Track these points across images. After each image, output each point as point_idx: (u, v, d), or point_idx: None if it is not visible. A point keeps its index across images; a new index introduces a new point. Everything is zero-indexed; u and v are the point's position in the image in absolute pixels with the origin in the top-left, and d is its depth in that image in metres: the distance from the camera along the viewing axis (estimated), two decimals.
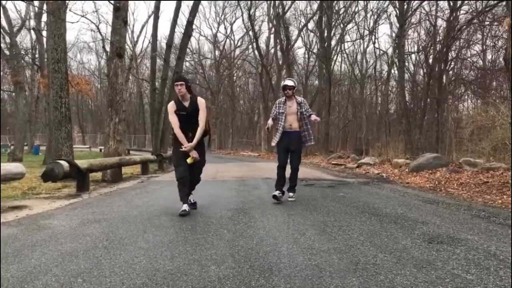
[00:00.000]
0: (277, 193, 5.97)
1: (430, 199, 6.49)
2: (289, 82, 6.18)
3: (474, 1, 19.57)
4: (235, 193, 7.20)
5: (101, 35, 25.83)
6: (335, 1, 26.95)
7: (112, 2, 10.84)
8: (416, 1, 23.30)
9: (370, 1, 28.11)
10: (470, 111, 22.57)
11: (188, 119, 4.85)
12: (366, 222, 4.41)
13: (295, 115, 6.07)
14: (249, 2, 32.83)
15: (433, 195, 7.02)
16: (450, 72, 23.34)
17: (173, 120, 4.85)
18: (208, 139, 5.19)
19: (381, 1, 27.91)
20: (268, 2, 32.06)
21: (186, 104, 4.90)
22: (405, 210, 5.28)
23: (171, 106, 4.92)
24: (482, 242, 3.54)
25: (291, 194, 6.21)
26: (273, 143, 6.18)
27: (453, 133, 16.79)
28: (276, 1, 29.45)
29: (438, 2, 23.14)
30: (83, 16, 23.20)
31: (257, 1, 34.03)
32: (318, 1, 26.95)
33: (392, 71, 27.75)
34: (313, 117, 5.96)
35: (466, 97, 25.96)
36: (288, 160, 6.10)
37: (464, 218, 4.72)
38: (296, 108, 6.09)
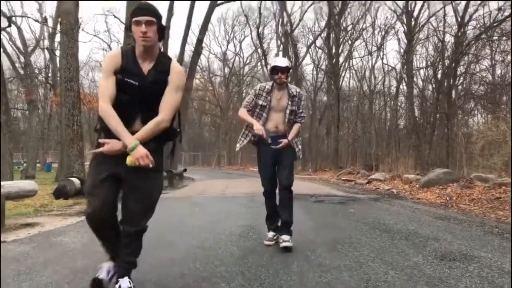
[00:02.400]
0: (271, 235, 4.17)
1: (441, 215, 6.43)
2: (281, 62, 4.10)
3: (482, 17, 19.61)
4: (244, 209, 7.20)
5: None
6: (343, 19, 27.16)
7: (124, 21, 11.05)
8: (423, 17, 23.43)
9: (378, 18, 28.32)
10: (481, 126, 22.38)
11: (141, 95, 2.46)
12: (377, 238, 4.39)
13: (283, 113, 4.09)
14: (257, 20, 33.24)
15: (444, 211, 6.95)
16: (459, 87, 23.25)
17: (104, 87, 2.45)
18: (172, 146, 2.82)
19: (389, 17, 28.09)
20: (277, 20, 32.41)
21: (146, 64, 2.51)
22: (416, 226, 5.23)
23: (110, 59, 2.50)
24: (496, 259, 3.50)
25: (285, 237, 3.88)
26: (238, 147, 4.28)
27: (463, 148, 16.65)
28: (285, 19, 29.78)
29: (446, 17, 23.19)
30: (95, 35, 23.77)
31: (265, 19, 34.43)
32: (326, 19, 27.18)
33: (401, 86, 27.75)
34: (292, 132, 4.10)
35: (476, 111, 25.79)
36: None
37: (476, 235, 4.66)
38: (287, 102, 4.09)
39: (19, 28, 26.11)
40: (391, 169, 16.41)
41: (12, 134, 8.14)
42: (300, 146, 4.28)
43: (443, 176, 10.55)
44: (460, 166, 15.58)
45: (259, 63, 40.11)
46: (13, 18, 22.25)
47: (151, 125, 2.44)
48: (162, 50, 2.63)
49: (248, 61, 43.70)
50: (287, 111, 4.10)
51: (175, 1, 19.40)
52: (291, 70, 4.36)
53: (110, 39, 34.37)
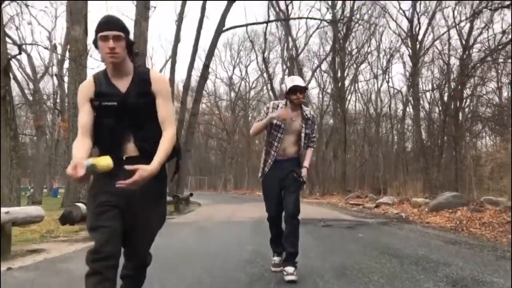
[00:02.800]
0: (277, 260, 3.99)
1: (452, 239, 6.32)
2: (300, 81, 3.91)
3: (487, 39, 19.75)
4: (251, 234, 7.13)
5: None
6: (348, 43, 27.45)
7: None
8: (428, 41, 23.62)
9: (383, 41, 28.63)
10: (489, 148, 22.24)
11: (127, 114, 2.22)
12: (387, 264, 4.30)
13: (296, 136, 3.89)
14: (263, 45, 33.67)
15: (455, 235, 6.84)
16: (466, 109, 23.24)
17: (81, 119, 2.27)
18: (176, 164, 2.50)
19: (393, 41, 28.34)
20: (282, 44, 32.82)
21: (123, 82, 2.26)
22: (426, 251, 5.14)
23: (82, 89, 2.30)
24: (508, 285, 3.41)
25: (289, 269, 3.60)
26: (260, 175, 4.06)
27: (472, 171, 16.50)
28: (290, 44, 30.16)
29: (451, 41, 23.38)
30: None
31: (271, 44, 34.90)
32: (331, 43, 27.49)
33: (407, 109, 27.77)
34: (307, 158, 3.95)
35: (484, 134, 25.67)
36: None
37: (488, 260, 4.56)
38: (300, 125, 3.90)
39: (29, 56, 26.65)
40: (399, 193, 16.26)
41: (20, 160, 8.18)
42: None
43: (452, 199, 10.41)
44: (469, 189, 15.41)
45: (264, 87, 40.46)
46: (24, 46, 22.73)
47: (166, 143, 2.22)
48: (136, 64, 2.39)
49: (254, 85, 44.10)
50: (302, 135, 3.88)
51: (181, 28, 19.76)
52: (307, 91, 4.25)
53: None
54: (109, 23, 2.19)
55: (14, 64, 24.68)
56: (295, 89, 3.83)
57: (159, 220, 2.42)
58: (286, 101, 3.93)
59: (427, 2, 22.67)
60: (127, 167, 2.08)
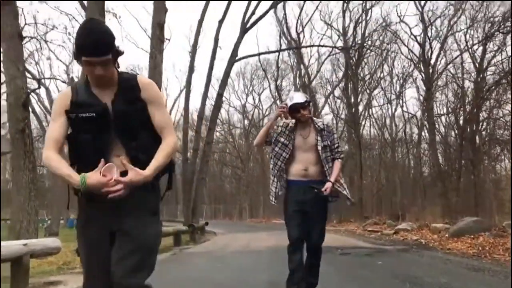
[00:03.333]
0: None
1: (474, 266, 6.14)
2: (299, 98, 3.66)
3: (501, 62, 19.65)
4: (268, 264, 7.02)
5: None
6: (360, 69, 27.59)
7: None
8: (441, 65, 23.61)
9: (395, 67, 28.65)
10: (509, 172, 21.80)
11: (108, 128, 1.98)
12: None
13: (315, 152, 3.60)
14: (275, 73, 34.08)
15: (477, 262, 6.64)
16: (483, 132, 22.94)
17: (48, 132, 2.07)
18: (168, 183, 2.21)
19: (406, 66, 28.35)
20: (294, 72, 33.15)
21: (107, 92, 2.02)
22: (448, 279, 4.99)
23: (59, 99, 2.10)
24: None
25: None
26: (272, 199, 3.73)
27: (492, 195, 16.14)
28: (302, 71, 30.44)
29: (464, 64, 23.34)
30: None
31: (283, 72, 35.27)
32: (343, 69, 27.68)
33: (423, 133, 27.53)
34: (334, 172, 3.61)
35: (503, 157, 25.21)
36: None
37: None
38: (315, 138, 3.64)
39: (47, 89, 27.38)
40: (418, 218, 15.95)
41: (38, 192, 8.30)
42: (347, 189, 3.75)
43: (473, 224, 10.16)
44: (490, 213, 15.04)
45: (283, 120, 40.65)
46: (42, 80, 23.42)
47: (167, 148, 2.01)
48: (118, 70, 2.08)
49: (267, 113, 44.34)
50: (319, 148, 3.57)
51: (195, 58, 20.16)
52: (311, 103, 3.86)
53: None
54: (97, 49, 1.90)
55: (33, 98, 25.39)
56: (296, 108, 3.61)
57: (152, 238, 2.03)
58: (296, 121, 3.73)
59: (438, 27, 22.82)
60: (117, 176, 1.85)
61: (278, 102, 36.14)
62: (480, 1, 19.82)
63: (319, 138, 3.64)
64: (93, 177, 1.83)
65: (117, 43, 1.99)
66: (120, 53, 2.01)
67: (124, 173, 1.91)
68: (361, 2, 25.57)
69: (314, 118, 3.79)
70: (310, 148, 3.63)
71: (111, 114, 1.99)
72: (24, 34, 10.31)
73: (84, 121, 1.98)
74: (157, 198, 2.13)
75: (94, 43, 1.90)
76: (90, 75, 1.99)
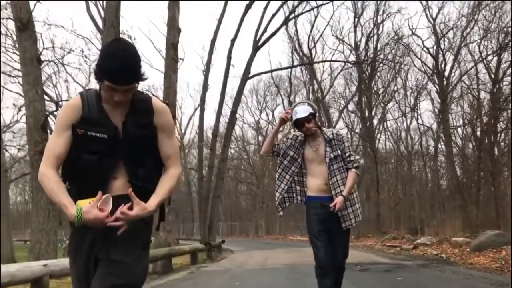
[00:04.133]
0: None
1: (498, 281, 5.98)
2: (302, 112, 3.47)
3: None
4: (286, 281, 6.95)
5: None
6: (373, 82, 27.54)
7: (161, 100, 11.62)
8: (455, 76, 23.41)
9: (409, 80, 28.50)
10: None
11: (115, 152, 1.85)
12: None
13: (326, 165, 3.45)
14: (288, 89, 34.21)
15: (501, 277, 6.47)
16: (502, 143, 22.55)
17: (49, 146, 1.88)
18: (160, 214, 2.05)
19: (420, 78, 28.19)
20: (307, 88, 33.22)
21: (117, 110, 1.87)
22: None
23: (66, 110, 1.90)
24: None
25: None
26: (280, 212, 3.70)
27: None
28: (315, 86, 30.49)
29: (479, 75, 23.10)
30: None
31: (296, 88, 35.36)
32: (356, 83, 27.66)
33: (439, 146, 27.19)
34: (348, 183, 3.41)
35: None
36: None
37: None
38: (324, 150, 3.47)
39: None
40: (437, 233, 15.66)
41: (56, 213, 8.41)
42: (358, 205, 3.52)
43: (495, 238, 9.93)
44: None
45: (292, 130, 40.65)
46: (60, 102, 23.85)
47: (171, 181, 1.92)
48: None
49: (281, 129, 44.34)
50: (327, 160, 3.41)
51: (209, 77, 20.39)
52: (317, 114, 3.63)
53: None
54: (126, 77, 1.77)
55: (51, 120, 25.81)
56: (300, 122, 3.47)
57: (139, 267, 1.88)
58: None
59: (451, 38, 22.71)
60: (124, 209, 1.72)
61: (294, 130, 36.17)
62: (493, 12, 19.72)
63: (328, 149, 3.47)
64: (91, 212, 1.67)
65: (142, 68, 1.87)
66: (144, 79, 1.87)
67: (121, 198, 1.78)
68: (372, 16, 25.66)
69: (323, 128, 3.64)
70: (322, 161, 3.47)
71: (120, 136, 1.85)
72: (42, 58, 10.58)
73: (92, 140, 1.82)
74: (149, 230, 1.99)
75: (123, 70, 1.75)
76: (109, 98, 1.83)
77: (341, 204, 3.33)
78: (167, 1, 11.75)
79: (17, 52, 15.48)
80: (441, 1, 22.82)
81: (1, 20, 13.12)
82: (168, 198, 1.98)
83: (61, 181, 1.83)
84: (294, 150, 3.55)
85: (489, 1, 19.97)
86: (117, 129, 1.85)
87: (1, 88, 21.65)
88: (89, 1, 19.02)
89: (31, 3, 8.96)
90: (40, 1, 13.54)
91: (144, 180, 1.88)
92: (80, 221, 1.68)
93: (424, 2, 22.83)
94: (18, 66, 18.53)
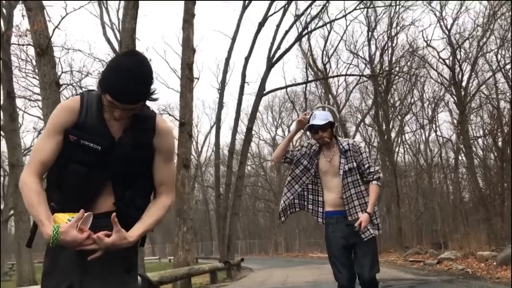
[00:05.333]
0: None
1: None
2: (320, 119, 3.26)
3: None
4: None
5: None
6: (390, 95, 27.33)
7: (178, 118, 11.72)
8: (473, 86, 23.09)
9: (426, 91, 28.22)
10: None
11: (106, 167, 1.68)
12: None
13: (340, 178, 3.26)
14: (304, 104, 34.16)
15: None
16: None
17: (35, 150, 1.69)
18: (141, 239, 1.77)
19: (437, 90, 27.88)
20: (323, 102, 33.15)
21: (118, 124, 1.70)
22: None
23: (61, 111, 1.69)
24: None
25: None
26: (282, 218, 3.55)
27: None
28: (331, 101, 30.39)
29: (497, 84, 22.74)
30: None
31: (311, 103, 35.32)
32: (373, 97, 27.50)
33: (460, 157, 26.69)
34: (371, 198, 3.23)
35: None
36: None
37: None
38: (338, 162, 3.28)
39: None
40: (462, 246, 15.25)
41: None
42: (378, 220, 3.30)
43: None
44: None
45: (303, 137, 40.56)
46: None
47: (160, 211, 1.74)
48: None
49: (297, 144, 44.04)
50: (341, 173, 3.21)
51: (224, 95, 20.55)
52: (336, 125, 3.44)
53: None
54: (132, 96, 1.60)
55: None
56: (314, 129, 3.27)
57: None
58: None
59: (467, 49, 22.48)
60: (100, 235, 1.55)
61: (308, 133, 36.11)
62: (509, 21, 19.48)
63: (342, 160, 3.25)
64: (68, 232, 1.50)
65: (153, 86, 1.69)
66: (153, 99, 1.70)
67: (106, 215, 1.63)
68: (386, 29, 25.61)
69: (339, 138, 3.43)
70: (338, 173, 3.27)
71: (115, 151, 1.68)
72: (61, 82, 10.80)
73: (84, 150, 1.63)
74: (134, 252, 1.78)
75: (131, 89, 1.58)
76: (109, 112, 1.66)
77: (366, 222, 3.13)
78: (182, 22, 11.94)
79: (37, 77, 15.85)
80: (456, 11, 22.68)
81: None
82: (151, 230, 1.77)
83: (42, 191, 1.63)
84: (308, 159, 3.36)
85: (504, 11, 19.76)
86: (113, 142, 1.68)
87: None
88: (106, 25, 19.50)
89: (50, 29, 9.16)
90: (59, 27, 13.87)
91: (130, 204, 1.71)
92: (56, 242, 1.51)
93: (438, 14, 22.72)
94: (38, 90, 18.98)
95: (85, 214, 1.55)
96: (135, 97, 1.61)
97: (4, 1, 14.22)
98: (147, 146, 1.73)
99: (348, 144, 3.36)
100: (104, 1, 19.66)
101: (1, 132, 17.12)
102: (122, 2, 13.51)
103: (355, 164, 3.26)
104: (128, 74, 1.57)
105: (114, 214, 1.59)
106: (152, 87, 1.67)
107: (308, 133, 3.54)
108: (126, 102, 1.60)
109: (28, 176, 1.62)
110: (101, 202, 1.69)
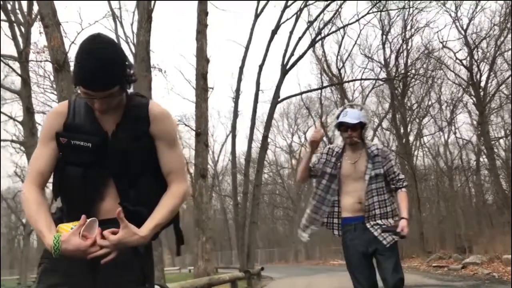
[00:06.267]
0: None
1: None
2: (351, 117, 3.10)
3: None
4: None
5: (184, 159, 27.73)
6: (406, 98, 27.03)
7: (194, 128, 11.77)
8: (492, 86, 22.67)
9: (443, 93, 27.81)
10: None
11: (103, 165, 1.58)
12: None
13: (363, 183, 3.09)
14: (319, 110, 34.02)
15: None
16: None
17: (32, 160, 1.66)
18: (177, 237, 1.76)
19: (454, 91, 27.46)
20: (338, 108, 32.96)
21: (109, 116, 1.61)
22: None
23: (50, 118, 1.66)
24: None
25: None
26: (304, 235, 3.40)
27: None
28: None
29: None
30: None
31: (327, 109, 35.17)
32: (389, 100, 27.23)
33: (481, 159, 26.16)
34: (402, 206, 3.11)
35: None
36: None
37: None
38: (365, 166, 3.10)
39: None
40: (487, 250, 14.89)
41: None
42: (394, 220, 3.17)
43: None
44: None
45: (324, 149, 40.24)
46: None
47: (174, 200, 1.61)
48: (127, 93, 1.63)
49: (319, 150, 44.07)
50: (366, 178, 3.03)
51: (239, 103, 20.59)
52: (367, 126, 3.22)
53: (182, 146, 36.76)
54: (97, 82, 1.48)
55: None
56: (344, 126, 3.09)
57: None
58: (344, 143, 3.20)
59: (484, 48, 22.12)
60: (106, 232, 1.45)
61: (324, 138, 35.93)
62: None
63: (369, 165, 3.07)
64: (70, 241, 1.41)
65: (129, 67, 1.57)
66: (131, 80, 1.57)
67: (111, 222, 1.52)
68: (400, 32, 25.39)
69: (367, 142, 3.25)
70: (361, 177, 3.09)
71: (109, 147, 1.59)
72: None
73: (76, 150, 1.56)
74: (148, 262, 1.65)
75: (96, 72, 1.47)
76: (90, 104, 1.58)
77: (407, 228, 3.00)
78: (195, 33, 12.03)
79: (55, 92, 16.15)
80: (472, 10, 22.35)
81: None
82: (169, 222, 1.62)
83: (43, 200, 1.56)
84: (331, 165, 3.16)
85: None
86: (106, 137, 1.59)
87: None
88: (120, 39, 19.80)
89: (66, 45, 9.34)
90: (75, 43, 14.15)
91: (137, 203, 1.57)
92: (58, 252, 1.41)
93: (453, 14, 22.44)
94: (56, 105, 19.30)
95: (89, 220, 1.46)
96: (102, 82, 1.48)
97: (22, 20, 14.58)
98: (143, 136, 1.61)
99: (378, 149, 3.20)
100: (118, 16, 20.01)
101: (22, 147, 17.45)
102: (136, 16, 13.73)
103: (382, 171, 3.11)
104: (90, 58, 1.47)
105: (119, 209, 1.48)
106: (128, 70, 1.55)
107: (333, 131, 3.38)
108: (96, 89, 1.48)
109: (27, 188, 1.57)
110: (105, 208, 1.58)
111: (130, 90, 1.66)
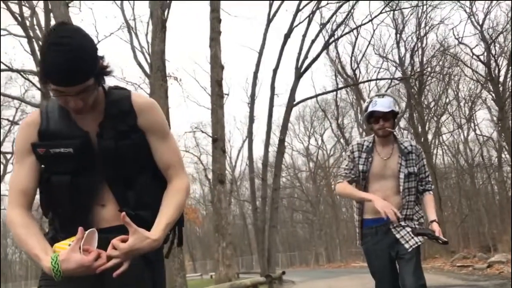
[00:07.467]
0: None
1: None
2: (383, 105, 2.86)
3: None
4: None
5: (202, 165, 27.93)
6: (423, 97, 26.72)
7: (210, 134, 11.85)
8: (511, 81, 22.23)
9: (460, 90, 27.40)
10: None
11: (91, 168, 1.44)
12: None
13: (395, 180, 2.84)
14: (335, 112, 33.86)
15: None
16: None
17: (11, 181, 1.46)
18: (175, 238, 1.61)
19: (472, 87, 27.02)
20: (355, 109, 32.77)
21: (91, 117, 1.45)
22: None
23: (23, 130, 1.47)
24: None
25: None
26: (362, 246, 3.01)
27: None
28: (363, 106, 30.01)
29: None
30: (186, 151, 25.55)
31: (343, 110, 34.97)
32: (406, 99, 26.95)
33: (503, 155, 25.65)
34: (430, 209, 2.92)
35: None
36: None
37: None
38: (398, 162, 2.85)
39: None
40: None
41: None
42: (417, 222, 2.89)
43: None
44: None
45: (343, 153, 40.00)
46: None
47: (178, 196, 1.48)
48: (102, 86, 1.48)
49: (331, 153, 43.77)
50: (401, 176, 2.79)
51: (254, 108, 20.65)
52: (399, 115, 3.02)
53: (200, 152, 36.96)
54: (68, 77, 1.30)
55: None
56: (375, 116, 2.83)
57: None
58: (374, 136, 2.92)
59: (502, 43, 21.74)
60: (115, 241, 1.32)
61: (341, 140, 35.68)
62: None
63: (403, 162, 2.82)
64: (70, 258, 1.25)
65: (101, 56, 1.42)
66: (106, 72, 1.43)
67: (111, 230, 1.41)
68: (414, 30, 25.15)
69: (399, 137, 2.98)
70: (392, 175, 2.83)
71: (96, 149, 1.43)
72: None
73: (58, 159, 1.40)
74: (160, 270, 1.52)
75: (60, 67, 1.29)
76: (64, 105, 1.40)
77: (439, 231, 2.80)
78: (209, 40, 12.13)
79: None
80: (487, 5, 22.04)
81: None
82: (178, 219, 1.49)
83: (31, 222, 1.40)
84: (363, 161, 2.86)
85: None
86: (87, 138, 1.42)
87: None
88: (136, 49, 20.07)
89: None
90: None
91: (137, 207, 1.44)
92: (60, 274, 1.25)
93: (468, 10, 22.13)
94: None
95: (87, 231, 1.31)
96: (72, 75, 1.30)
97: (40, 36, 14.91)
98: (131, 132, 1.46)
99: (411, 145, 2.94)
100: (133, 27, 20.30)
101: None
102: (150, 26, 13.91)
103: (415, 169, 2.86)
104: (56, 50, 1.30)
105: (123, 214, 1.34)
106: (101, 61, 1.40)
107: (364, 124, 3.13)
108: (67, 84, 1.31)
109: (10, 211, 1.40)
110: (106, 215, 1.45)
111: (108, 85, 1.51)
